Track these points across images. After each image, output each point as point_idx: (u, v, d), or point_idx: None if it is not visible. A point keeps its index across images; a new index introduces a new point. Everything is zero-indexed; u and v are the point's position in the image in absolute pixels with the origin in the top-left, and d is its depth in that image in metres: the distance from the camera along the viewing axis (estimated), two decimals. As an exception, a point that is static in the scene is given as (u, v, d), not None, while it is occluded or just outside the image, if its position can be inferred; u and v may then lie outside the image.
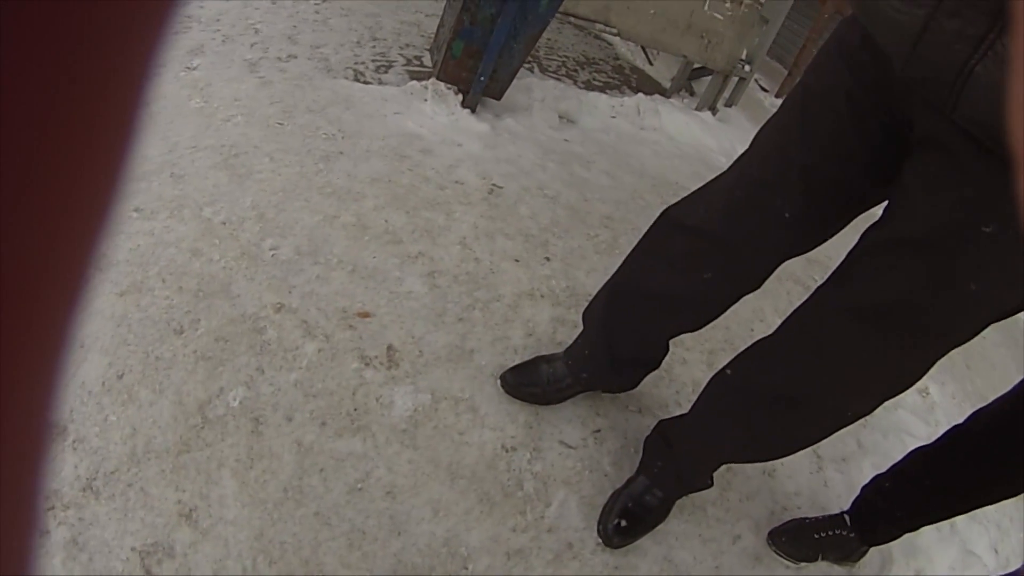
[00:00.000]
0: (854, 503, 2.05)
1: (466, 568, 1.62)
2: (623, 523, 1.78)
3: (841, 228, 1.47)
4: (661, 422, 1.88)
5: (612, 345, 1.86)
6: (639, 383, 2.02)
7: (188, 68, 3.44)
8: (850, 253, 1.41)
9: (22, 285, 0.16)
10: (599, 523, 1.81)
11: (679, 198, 1.74)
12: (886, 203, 1.36)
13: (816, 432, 1.58)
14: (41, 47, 0.14)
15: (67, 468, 1.60)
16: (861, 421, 2.67)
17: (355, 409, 1.83)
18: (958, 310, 1.24)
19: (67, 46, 0.15)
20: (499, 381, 2.00)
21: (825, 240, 1.49)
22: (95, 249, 0.19)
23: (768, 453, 1.70)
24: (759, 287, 1.60)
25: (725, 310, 1.67)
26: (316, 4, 4.55)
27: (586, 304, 2.01)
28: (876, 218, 1.36)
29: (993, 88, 0.99)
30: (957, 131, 1.10)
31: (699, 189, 1.64)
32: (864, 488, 2.03)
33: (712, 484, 1.85)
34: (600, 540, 1.78)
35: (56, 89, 0.15)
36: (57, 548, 1.47)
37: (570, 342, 2.03)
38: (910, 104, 1.20)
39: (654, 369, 1.94)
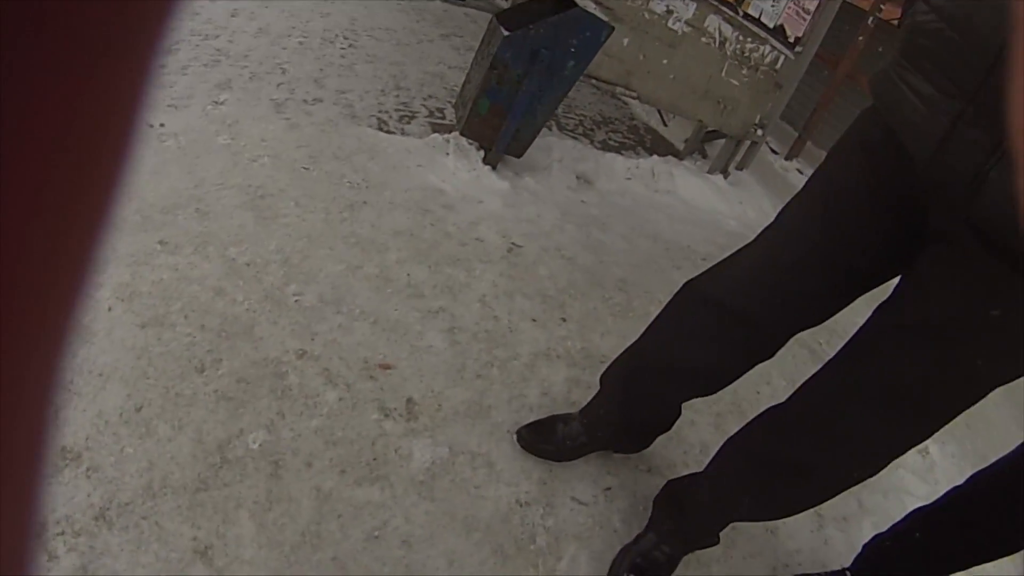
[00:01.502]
0: (855, 560, 2.09)
1: (480, 619, 1.62)
2: None
3: (844, 307, 1.58)
4: (670, 482, 1.94)
5: (628, 410, 1.95)
6: (651, 444, 2.09)
7: (215, 103, 3.50)
8: (861, 332, 1.51)
9: (23, 290, 0.17)
10: (609, 570, 1.85)
11: (691, 263, 1.86)
12: (896, 285, 1.46)
13: (823, 495, 1.66)
14: (42, 48, 0.14)
15: (80, 496, 1.59)
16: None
17: (374, 459, 1.86)
18: (966, 386, 1.36)
19: (68, 48, 0.15)
20: (515, 436, 2.06)
21: (835, 314, 1.59)
22: (94, 256, 0.19)
23: (776, 513, 1.78)
24: (772, 357, 1.70)
25: (739, 377, 1.77)
26: (342, 49, 4.65)
27: (601, 366, 2.10)
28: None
29: (1004, 191, 1.10)
30: (969, 227, 1.21)
31: (721, 263, 1.74)
32: (866, 546, 2.07)
33: (718, 542, 1.92)
34: None
35: (57, 93, 0.15)
36: (66, 573, 1.46)
37: (584, 403, 2.10)
38: (926, 200, 1.31)
39: (666, 431, 2.04)
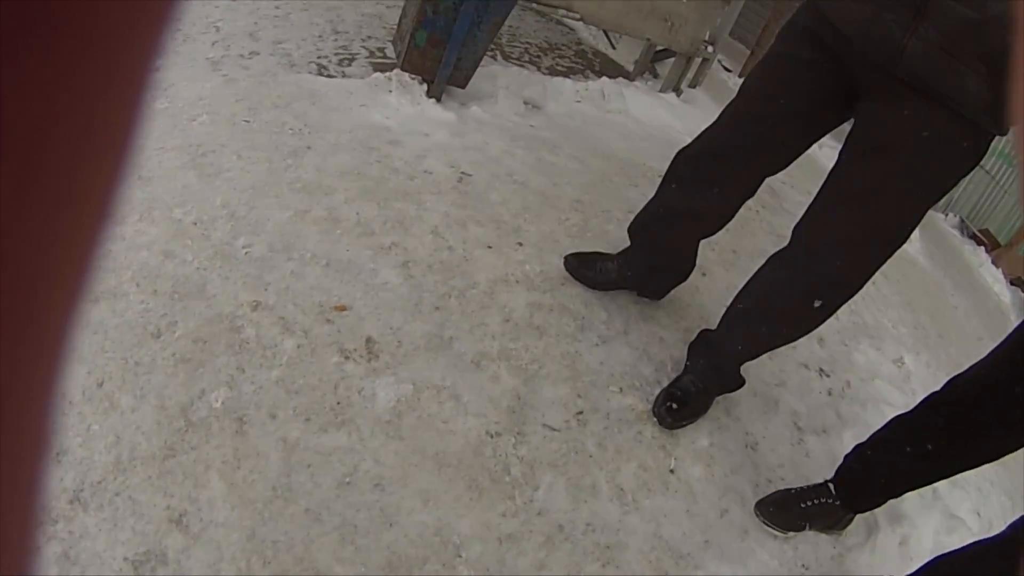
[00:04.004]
0: (837, 472, 2.08)
1: (460, 556, 1.61)
2: (673, 406, 2.11)
3: (805, 149, 2.00)
4: (704, 330, 2.28)
5: (648, 253, 2.36)
6: (669, 291, 2.52)
7: (149, 70, 3.39)
8: (831, 174, 1.91)
9: (22, 288, 0.16)
10: (653, 407, 2.14)
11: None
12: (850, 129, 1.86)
13: (815, 314, 1.97)
14: (41, 47, 0.14)
15: (53, 481, 1.55)
16: (840, 392, 2.76)
17: (338, 403, 1.81)
18: (907, 195, 1.76)
19: (67, 46, 0.14)
20: (563, 261, 2.47)
21: (794, 159, 2.01)
22: (95, 252, 0.19)
23: (780, 339, 2.12)
24: (753, 195, 2.13)
25: (732, 216, 2.20)
26: (276, 0, 4.51)
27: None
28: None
29: (918, 55, 1.59)
30: (897, 80, 1.66)
31: (703, 131, 2.13)
32: (847, 457, 2.06)
33: (744, 383, 2.23)
34: (656, 420, 2.11)
35: (57, 90, 0.15)
36: (49, 564, 1.44)
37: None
38: (856, 65, 1.74)
39: (683, 280, 2.46)
